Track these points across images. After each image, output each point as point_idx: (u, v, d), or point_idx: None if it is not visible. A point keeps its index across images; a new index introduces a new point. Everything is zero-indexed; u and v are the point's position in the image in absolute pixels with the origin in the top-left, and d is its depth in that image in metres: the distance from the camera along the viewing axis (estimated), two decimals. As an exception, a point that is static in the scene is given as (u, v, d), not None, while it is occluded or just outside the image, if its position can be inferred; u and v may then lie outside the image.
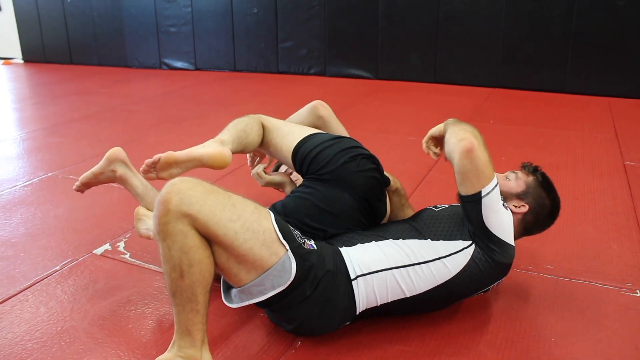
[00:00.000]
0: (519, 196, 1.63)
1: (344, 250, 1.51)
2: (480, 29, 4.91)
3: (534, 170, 1.70)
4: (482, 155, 1.44)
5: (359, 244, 1.54)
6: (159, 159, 1.55)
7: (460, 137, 1.46)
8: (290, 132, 1.80)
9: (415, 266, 1.49)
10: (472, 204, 1.48)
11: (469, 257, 1.50)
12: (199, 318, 1.34)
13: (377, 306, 1.49)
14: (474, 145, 1.43)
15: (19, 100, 5.33)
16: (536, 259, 1.96)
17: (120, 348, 1.52)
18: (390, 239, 1.55)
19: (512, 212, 1.58)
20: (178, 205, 1.28)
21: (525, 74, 4.84)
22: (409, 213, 1.83)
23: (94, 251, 2.06)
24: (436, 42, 5.12)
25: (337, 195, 1.63)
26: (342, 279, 1.45)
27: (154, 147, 3.38)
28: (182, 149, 1.60)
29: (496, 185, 1.47)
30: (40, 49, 7.20)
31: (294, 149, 1.74)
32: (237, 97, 4.98)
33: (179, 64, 6.38)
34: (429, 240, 1.54)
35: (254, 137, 1.77)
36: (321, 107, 2.07)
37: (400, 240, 1.54)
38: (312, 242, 1.48)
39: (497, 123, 3.82)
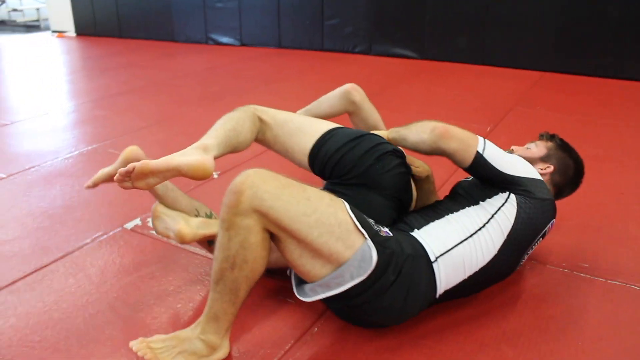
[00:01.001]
0: (543, 159, 1.74)
1: (416, 234, 1.49)
2: (531, 10, 4.69)
3: (551, 137, 1.82)
4: (456, 129, 1.54)
5: (424, 227, 1.51)
6: (133, 169, 1.40)
7: (429, 128, 1.56)
8: (299, 129, 1.70)
9: (479, 231, 1.49)
10: (480, 167, 1.54)
11: (515, 204, 1.53)
12: (233, 310, 1.35)
13: (456, 285, 1.47)
14: (445, 127, 1.54)
15: (70, 73, 5.51)
16: (572, 255, 1.87)
17: (140, 324, 1.55)
18: (445, 216, 1.54)
19: (540, 174, 1.64)
20: (250, 199, 1.26)
21: (578, 58, 4.60)
22: (434, 199, 1.79)
23: (125, 225, 2.10)
24: (484, 23, 4.93)
25: (366, 198, 1.58)
26: (423, 262, 1.43)
27: (192, 123, 3.42)
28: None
29: (485, 139, 1.55)
30: (92, 23, 7.37)
31: (311, 151, 1.66)
32: (280, 74, 4.96)
33: (224, 40, 6.40)
34: (474, 206, 1.55)
35: (246, 135, 1.63)
36: (354, 91, 1.99)
37: (454, 213, 1.54)
38: (387, 229, 1.46)
39: (544, 109, 3.66)
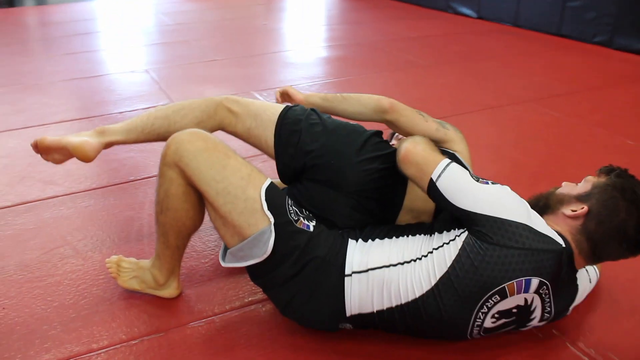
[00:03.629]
0: (580, 198, 1.35)
1: (355, 244, 1.39)
2: None
3: (609, 170, 1.38)
4: (418, 152, 1.39)
5: (372, 241, 1.40)
6: (36, 143, 1.58)
7: (398, 151, 1.44)
8: (271, 120, 1.57)
9: (414, 262, 1.32)
10: (433, 193, 1.35)
11: (460, 245, 1.28)
12: (169, 252, 1.52)
13: (372, 313, 1.34)
14: (407, 150, 1.40)
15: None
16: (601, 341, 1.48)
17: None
18: (399, 237, 1.40)
19: (567, 217, 1.33)
20: (172, 153, 1.39)
21: None
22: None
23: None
24: None
25: (325, 192, 1.51)
26: (334, 271, 1.35)
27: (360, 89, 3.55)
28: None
29: (448, 165, 1.34)
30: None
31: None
32: (484, 54, 4.61)
33: (463, 10, 6.15)
34: (427, 235, 1.38)
35: (185, 125, 1.56)
36: (391, 112, 1.60)
37: (408, 237, 1.39)
38: (311, 223, 1.39)
39: None
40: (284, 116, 1.57)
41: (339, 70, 4.22)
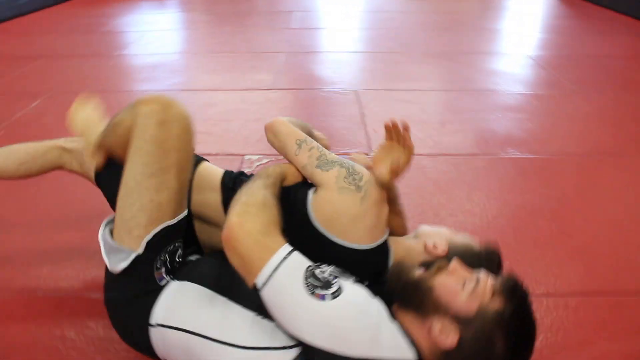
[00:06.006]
0: (457, 319, 1.03)
1: (179, 285, 1.21)
2: None
3: (511, 291, 1.04)
4: (243, 237, 1.04)
5: (197, 285, 1.20)
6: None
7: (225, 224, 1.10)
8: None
9: (225, 346, 1.08)
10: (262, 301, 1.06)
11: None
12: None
13: None
14: (230, 230, 1.05)
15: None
16: None
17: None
18: (230, 297, 1.16)
19: (432, 336, 1.04)
20: (164, 110, 1.21)
21: None
22: (399, 223, 1.46)
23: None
24: None
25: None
26: (139, 319, 1.19)
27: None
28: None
29: (278, 266, 1.02)
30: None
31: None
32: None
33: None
34: (264, 318, 1.09)
35: (8, 167, 1.61)
36: (267, 127, 1.45)
37: (239, 305, 1.14)
38: (166, 276, 1.22)
39: None
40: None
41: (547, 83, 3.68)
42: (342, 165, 1.28)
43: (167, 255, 1.22)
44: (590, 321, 1.56)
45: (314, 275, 1.03)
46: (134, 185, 1.18)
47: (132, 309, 1.19)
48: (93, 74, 3.69)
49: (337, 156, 1.33)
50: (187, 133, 1.21)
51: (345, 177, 1.25)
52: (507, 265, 1.37)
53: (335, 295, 1.01)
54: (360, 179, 1.25)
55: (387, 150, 1.29)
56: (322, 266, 1.07)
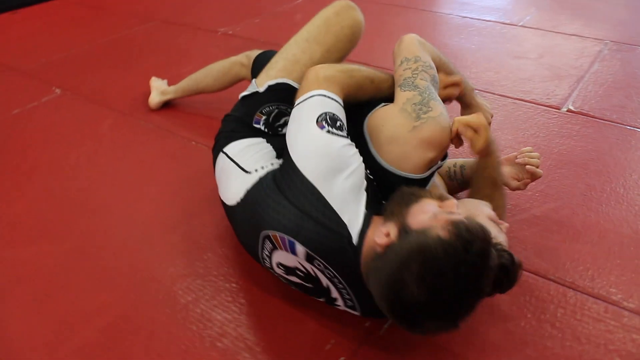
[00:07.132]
0: (403, 228, 1.00)
1: (257, 141, 1.41)
2: None
3: (468, 235, 0.91)
4: (312, 74, 1.27)
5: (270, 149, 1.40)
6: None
7: None
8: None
9: (239, 169, 1.34)
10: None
11: (265, 172, 1.25)
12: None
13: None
14: (314, 68, 1.29)
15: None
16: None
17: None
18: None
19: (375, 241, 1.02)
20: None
21: None
22: (492, 192, 1.32)
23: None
24: None
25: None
26: (223, 141, 1.45)
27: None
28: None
29: (311, 97, 1.21)
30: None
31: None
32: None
33: None
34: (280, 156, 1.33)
35: (208, 83, 2.09)
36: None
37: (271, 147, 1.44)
38: (262, 125, 1.42)
39: None
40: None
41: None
42: (421, 93, 1.23)
43: (275, 110, 1.43)
44: None
45: (332, 116, 1.17)
46: (291, 42, 1.51)
47: (225, 134, 1.42)
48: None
49: (428, 85, 1.27)
50: (352, 32, 1.51)
51: (414, 103, 1.21)
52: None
53: (332, 133, 1.13)
54: (426, 112, 1.19)
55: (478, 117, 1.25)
56: (344, 122, 1.21)
